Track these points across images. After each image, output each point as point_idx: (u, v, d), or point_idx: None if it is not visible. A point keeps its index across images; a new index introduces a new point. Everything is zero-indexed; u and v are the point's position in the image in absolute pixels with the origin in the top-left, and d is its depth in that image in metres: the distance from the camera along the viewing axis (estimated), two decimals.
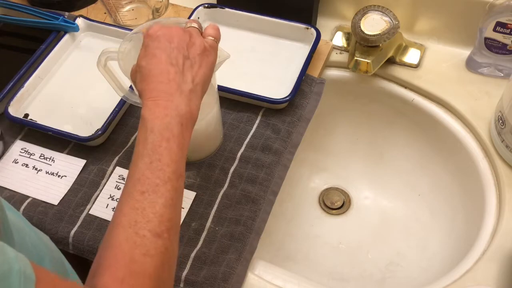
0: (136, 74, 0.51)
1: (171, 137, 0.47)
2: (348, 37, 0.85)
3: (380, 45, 0.76)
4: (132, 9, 0.88)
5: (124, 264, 0.42)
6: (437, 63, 0.81)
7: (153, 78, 0.49)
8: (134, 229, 0.43)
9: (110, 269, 0.42)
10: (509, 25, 0.71)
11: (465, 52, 0.81)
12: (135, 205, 0.44)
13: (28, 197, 0.69)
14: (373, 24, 0.74)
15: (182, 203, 0.48)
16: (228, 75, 0.70)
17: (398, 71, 0.81)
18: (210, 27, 0.55)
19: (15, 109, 0.74)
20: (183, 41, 0.51)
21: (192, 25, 0.55)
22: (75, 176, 0.70)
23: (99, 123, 0.72)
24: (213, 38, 0.54)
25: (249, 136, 0.72)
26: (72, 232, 0.65)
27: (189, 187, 0.68)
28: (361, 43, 0.76)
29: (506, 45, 0.74)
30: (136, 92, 0.60)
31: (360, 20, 0.75)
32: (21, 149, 0.73)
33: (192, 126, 0.50)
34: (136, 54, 0.57)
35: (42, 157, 0.72)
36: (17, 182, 0.70)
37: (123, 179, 0.69)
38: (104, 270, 0.42)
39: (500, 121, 0.69)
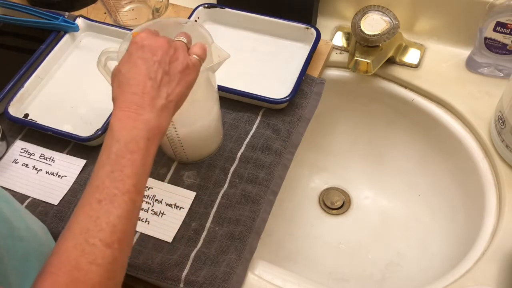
0: (115, 79, 0.51)
1: (136, 150, 0.47)
2: (348, 37, 0.85)
3: (380, 45, 0.76)
4: (132, 9, 0.88)
5: (67, 271, 0.41)
6: (437, 63, 0.81)
7: (128, 88, 0.49)
8: (84, 237, 0.43)
9: (52, 276, 0.41)
10: (509, 25, 0.71)
11: (465, 52, 0.81)
12: (90, 212, 0.44)
13: (28, 197, 0.69)
14: (373, 24, 0.74)
15: (137, 219, 0.48)
16: (228, 75, 0.70)
17: (398, 71, 0.81)
18: (197, 46, 0.54)
19: (15, 109, 0.74)
20: (166, 55, 0.50)
21: (181, 39, 0.54)
22: (75, 176, 0.70)
23: (99, 123, 0.72)
24: (197, 57, 0.53)
25: (249, 136, 0.72)
26: None
27: (189, 187, 0.68)
28: (361, 43, 0.76)
29: (506, 45, 0.74)
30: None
31: (360, 20, 0.75)
32: (21, 149, 0.73)
33: (159, 141, 0.50)
34: None
35: (42, 157, 0.72)
36: (17, 182, 0.70)
37: None
38: (45, 276, 0.41)
39: (500, 121, 0.69)
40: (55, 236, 0.64)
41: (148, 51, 0.50)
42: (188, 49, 0.54)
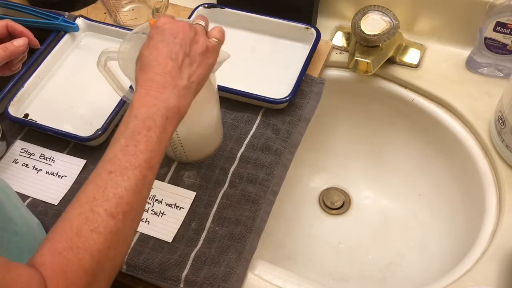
0: (137, 62, 0.52)
1: (153, 126, 0.47)
2: (348, 37, 0.85)
3: (380, 45, 0.76)
4: (132, 9, 0.88)
5: (67, 237, 0.42)
6: (437, 63, 0.81)
7: (150, 68, 0.49)
8: (90, 205, 0.43)
9: (52, 241, 0.42)
10: (509, 25, 0.71)
11: (465, 52, 0.81)
12: (99, 183, 0.45)
13: (28, 197, 0.69)
14: (373, 24, 0.74)
15: (148, 194, 0.48)
16: (228, 75, 0.70)
17: (398, 71, 0.81)
18: (216, 29, 0.55)
19: (15, 109, 0.74)
20: (187, 37, 0.51)
21: (199, 23, 0.55)
22: (75, 176, 0.70)
23: (99, 123, 0.72)
24: (217, 40, 0.54)
25: (249, 136, 0.72)
26: None
27: (189, 187, 0.68)
28: (361, 43, 0.76)
29: (506, 45, 0.74)
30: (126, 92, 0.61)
31: (360, 20, 0.75)
32: (21, 149, 0.73)
33: (178, 122, 0.50)
34: (136, 54, 0.57)
35: (42, 157, 0.72)
36: (17, 182, 0.70)
37: None
38: (45, 242, 0.42)
39: (500, 121, 0.69)
40: None
41: (169, 34, 0.51)
42: (207, 32, 0.54)
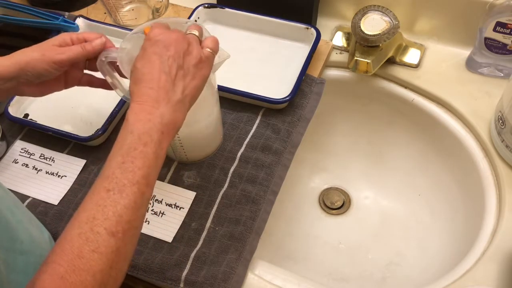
0: (131, 75, 0.51)
1: (149, 142, 0.47)
2: (348, 37, 0.85)
3: (380, 45, 0.76)
4: (132, 9, 0.88)
5: (68, 260, 0.41)
6: (437, 63, 0.81)
7: (144, 82, 0.49)
8: (90, 225, 0.43)
9: (53, 264, 0.41)
10: (509, 25, 0.71)
11: (465, 52, 0.81)
12: (98, 201, 0.44)
13: (28, 197, 0.69)
14: (373, 24, 0.74)
15: (146, 211, 0.48)
16: (228, 75, 0.70)
17: (398, 71, 0.81)
18: (209, 39, 0.55)
19: (15, 109, 0.74)
20: (180, 49, 0.51)
21: (193, 32, 0.54)
22: (75, 176, 0.70)
23: (99, 123, 0.72)
24: (210, 50, 0.53)
25: (249, 136, 0.72)
26: None
27: (189, 187, 0.68)
28: (361, 43, 0.76)
29: (506, 45, 0.74)
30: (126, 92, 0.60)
31: (360, 20, 0.75)
32: (21, 149, 0.73)
33: (173, 136, 0.50)
34: (136, 54, 0.57)
35: (42, 157, 0.72)
36: (17, 182, 0.70)
37: None
38: (47, 266, 0.41)
39: (500, 121, 0.69)
40: (55, 237, 0.64)
41: (162, 46, 0.50)
42: (200, 42, 0.54)
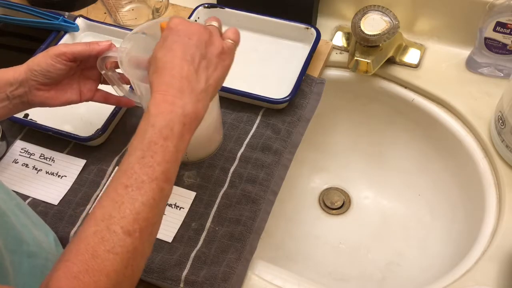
0: (151, 65, 0.50)
1: (170, 135, 0.45)
2: (348, 37, 0.85)
3: (380, 45, 0.76)
4: (132, 9, 0.88)
5: (83, 259, 0.40)
6: (437, 63, 0.81)
7: (166, 71, 0.48)
8: (106, 223, 0.42)
9: (67, 263, 0.41)
10: (509, 25, 0.71)
11: (465, 52, 0.81)
12: (115, 198, 0.43)
13: (28, 197, 0.69)
14: (373, 24, 0.74)
15: (165, 206, 0.47)
16: (228, 75, 0.70)
17: (398, 71, 0.81)
18: (231, 31, 0.54)
19: None
20: (202, 39, 0.49)
21: (213, 24, 0.53)
22: (75, 176, 0.70)
23: (99, 123, 0.72)
24: (232, 42, 0.52)
25: (249, 136, 0.72)
26: (72, 232, 0.65)
27: (189, 187, 0.68)
28: (361, 43, 0.76)
29: (506, 45, 0.74)
30: (140, 91, 0.60)
31: (360, 20, 0.75)
32: (21, 149, 0.73)
33: (195, 128, 0.48)
34: (136, 54, 0.57)
35: (42, 157, 0.72)
36: (17, 182, 0.70)
37: None
38: (61, 264, 0.41)
39: (500, 121, 0.69)
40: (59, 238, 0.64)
41: (183, 34, 0.49)
42: (221, 34, 0.53)
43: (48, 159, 0.72)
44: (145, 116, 0.47)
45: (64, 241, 0.64)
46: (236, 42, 0.53)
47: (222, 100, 0.72)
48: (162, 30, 0.52)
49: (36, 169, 0.71)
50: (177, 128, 0.46)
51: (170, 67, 0.48)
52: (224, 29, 0.55)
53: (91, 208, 0.67)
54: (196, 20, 0.83)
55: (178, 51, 0.48)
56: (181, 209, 0.66)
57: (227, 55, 0.51)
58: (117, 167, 0.69)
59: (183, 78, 0.47)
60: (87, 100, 0.65)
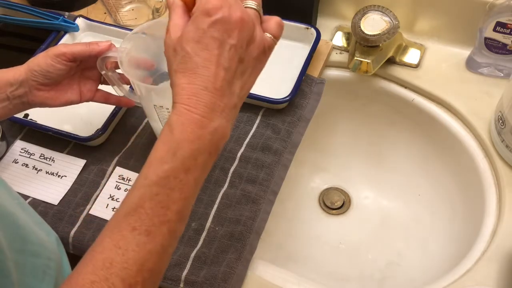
0: (176, 55, 0.41)
1: (192, 167, 0.39)
2: (348, 37, 0.85)
3: (380, 45, 0.76)
4: (132, 9, 0.88)
5: None
6: (437, 63, 0.81)
7: (197, 76, 0.39)
8: (106, 273, 0.37)
9: None
10: (509, 25, 0.71)
11: (465, 52, 0.81)
12: (119, 243, 0.37)
13: (28, 197, 0.69)
14: (373, 24, 0.74)
15: (175, 246, 0.41)
16: None
17: (398, 71, 0.81)
18: (273, 22, 0.43)
19: None
20: (244, 36, 0.40)
21: (250, 5, 0.42)
22: (75, 176, 0.70)
23: (99, 123, 0.72)
24: (273, 38, 0.43)
25: (249, 136, 0.72)
26: (72, 232, 0.65)
27: None
28: (361, 43, 0.76)
29: (506, 45, 0.74)
30: (140, 91, 0.60)
31: (360, 20, 0.75)
32: (21, 149, 0.73)
33: (219, 155, 0.41)
34: (136, 54, 0.57)
35: (42, 157, 0.72)
36: (17, 182, 0.70)
37: (123, 179, 0.69)
38: None
39: (500, 121, 0.69)
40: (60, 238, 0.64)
41: (224, 29, 0.39)
42: (261, 20, 0.43)
43: (48, 159, 0.72)
44: (166, 137, 0.39)
45: (64, 241, 0.64)
46: (277, 39, 0.44)
47: None
48: (193, 13, 0.40)
49: (36, 169, 0.71)
50: (202, 158, 0.39)
51: (203, 72, 0.39)
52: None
53: (91, 209, 0.67)
54: None
55: (214, 51, 0.39)
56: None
57: (265, 56, 0.43)
58: (117, 167, 0.70)
59: (217, 90, 0.39)
60: (87, 100, 0.64)
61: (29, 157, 0.72)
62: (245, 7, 0.42)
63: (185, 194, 0.39)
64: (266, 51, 0.42)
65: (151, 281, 0.39)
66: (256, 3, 0.43)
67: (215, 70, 0.39)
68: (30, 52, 0.81)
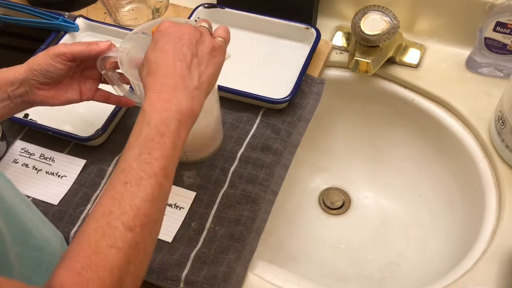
0: (143, 68, 0.51)
1: (166, 132, 0.46)
2: (348, 37, 0.85)
3: (380, 45, 0.76)
4: (132, 9, 0.88)
5: (85, 255, 0.40)
6: (437, 63, 0.81)
7: (159, 71, 0.49)
8: (107, 220, 0.42)
9: (69, 260, 0.40)
10: (509, 25, 0.71)
11: (465, 52, 0.81)
12: (115, 195, 0.43)
13: (28, 197, 0.69)
14: (373, 24, 0.74)
15: (165, 203, 0.47)
16: (228, 75, 0.70)
17: (398, 71, 0.81)
18: (220, 29, 0.55)
19: None
20: (193, 38, 0.50)
21: (203, 25, 0.54)
22: (75, 176, 0.70)
23: (99, 123, 0.72)
24: (222, 39, 0.54)
25: (249, 136, 0.72)
26: (72, 232, 0.65)
27: (189, 187, 0.68)
28: (361, 43, 0.76)
29: (506, 45, 0.74)
30: (140, 91, 0.60)
31: (360, 20, 0.75)
32: (21, 149, 0.73)
33: (191, 125, 0.49)
34: (136, 54, 0.57)
35: (42, 157, 0.72)
36: (17, 182, 0.70)
37: None
38: (63, 262, 0.41)
39: (500, 121, 0.69)
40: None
41: (174, 36, 0.50)
42: (211, 34, 0.54)
43: (48, 159, 0.72)
44: (140, 114, 0.47)
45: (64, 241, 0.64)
46: (226, 40, 0.54)
47: (222, 100, 0.72)
48: (153, 34, 0.52)
49: (36, 169, 0.71)
50: (173, 124, 0.46)
51: (163, 67, 0.49)
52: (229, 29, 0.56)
53: (91, 208, 0.67)
54: (196, 20, 0.83)
55: (170, 51, 0.49)
56: (181, 209, 0.66)
57: (218, 52, 0.52)
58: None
59: (177, 76, 0.48)
60: (87, 100, 0.65)
61: (29, 157, 0.72)
62: (198, 26, 0.54)
63: (165, 153, 0.45)
64: (217, 48, 0.52)
65: (149, 227, 0.44)
66: (206, 24, 0.55)
67: (172, 62, 0.49)
68: (30, 52, 0.81)
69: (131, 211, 0.43)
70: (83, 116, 0.75)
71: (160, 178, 0.45)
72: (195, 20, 0.82)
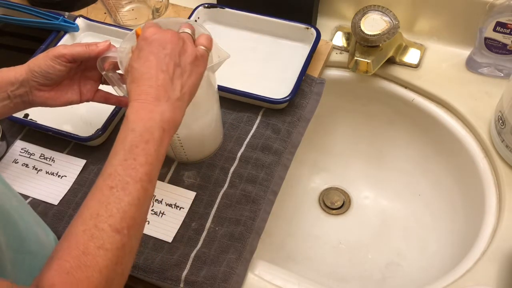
0: (128, 74, 0.52)
1: (151, 140, 0.47)
2: (348, 37, 0.85)
3: (380, 45, 0.76)
4: (132, 9, 0.88)
5: (74, 256, 0.41)
6: (437, 63, 0.81)
7: (143, 81, 0.50)
8: (94, 222, 0.43)
9: (59, 261, 0.41)
10: (509, 25, 0.71)
11: (465, 52, 0.81)
12: (101, 199, 0.44)
13: (28, 197, 0.69)
14: (373, 24, 0.74)
15: (149, 206, 0.49)
16: (228, 75, 0.70)
17: (398, 71, 0.81)
18: (203, 37, 0.55)
19: None
20: (175, 47, 0.51)
21: (186, 31, 0.55)
22: (75, 176, 0.70)
23: (99, 123, 0.72)
24: (204, 48, 0.54)
25: (249, 136, 0.72)
26: None
27: (189, 187, 0.68)
28: (361, 43, 0.76)
29: (506, 45, 0.74)
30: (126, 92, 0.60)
31: (360, 20, 0.75)
32: (21, 149, 0.73)
33: (173, 134, 0.50)
34: None
35: (42, 157, 0.72)
36: (17, 182, 0.70)
37: None
38: (53, 262, 0.41)
39: (500, 121, 0.69)
40: (58, 238, 0.64)
41: (157, 45, 0.51)
42: (194, 40, 0.55)
43: (48, 159, 0.72)
44: (124, 121, 0.48)
45: None
46: (208, 48, 0.55)
47: (222, 100, 0.72)
48: (138, 37, 0.53)
49: (36, 169, 0.71)
50: (157, 133, 0.48)
51: (147, 77, 0.50)
52: (224, 29, 0.56)
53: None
54: (196, 20, 0.83)
55: (153, 61, 0.50)
56: (181, 209, 0.66)
57: (200, 62, 0.53)
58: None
59: (160, 87, 0.49)
60: (87, 101, 0.65)
61: (29, 157, 0.72)
62: (181, 32, 0.54)
63: (149, 160, 0.47)
64: (199, 58, 0.53)
65: (135, 229, 0.45)
66: (190, 30, 0.55)
67: (155, 72, 0.50)
68: (30, 52, 0.81)
69: (118, 214, 0.44)
70: (83, 116, 0.75)
71: (145, 183, 0.46)
72: (195, 20, 0.83)
